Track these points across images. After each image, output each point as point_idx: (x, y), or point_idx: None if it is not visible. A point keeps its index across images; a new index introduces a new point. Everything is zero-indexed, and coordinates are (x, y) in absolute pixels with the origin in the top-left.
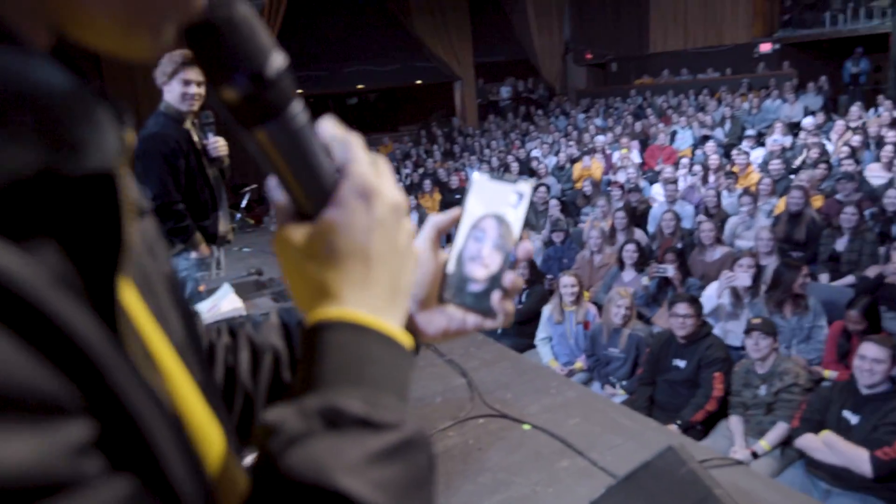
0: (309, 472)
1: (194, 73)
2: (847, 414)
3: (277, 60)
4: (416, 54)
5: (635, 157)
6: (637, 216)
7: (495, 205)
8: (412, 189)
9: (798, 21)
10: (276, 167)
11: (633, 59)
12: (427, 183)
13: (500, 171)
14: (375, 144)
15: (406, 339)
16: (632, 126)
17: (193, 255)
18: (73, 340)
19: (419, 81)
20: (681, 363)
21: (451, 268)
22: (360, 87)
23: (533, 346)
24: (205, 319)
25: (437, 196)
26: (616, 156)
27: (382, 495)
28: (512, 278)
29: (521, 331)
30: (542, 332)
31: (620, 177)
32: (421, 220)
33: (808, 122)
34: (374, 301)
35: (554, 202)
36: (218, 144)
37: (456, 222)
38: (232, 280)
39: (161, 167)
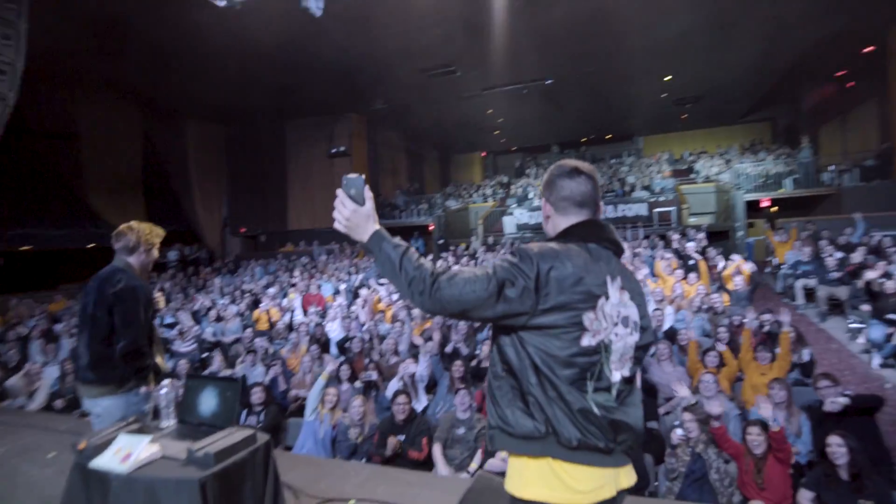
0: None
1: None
2: None
3: None
4: (89, 222)
5: (298, 302)
6: (324, 344)
7: None
8: None
9: (379, 214)
10: None
11: (278, 232)
12: None
13: None
14: (46, 301)
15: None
16: (289, 280)
17: (143, 390)
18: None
19: (92, 245)
20: (401, 437)
21: None
22: (24, 248)
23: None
24: (123, 474)
25: None
26: (284, 301)
27: (398, 247)
28: None
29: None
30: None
31: (286, 317)
32: None
33: None
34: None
35: (259, 341)
36: (159, 299)
37: None
38: (111, 431)
39: (138, 316)
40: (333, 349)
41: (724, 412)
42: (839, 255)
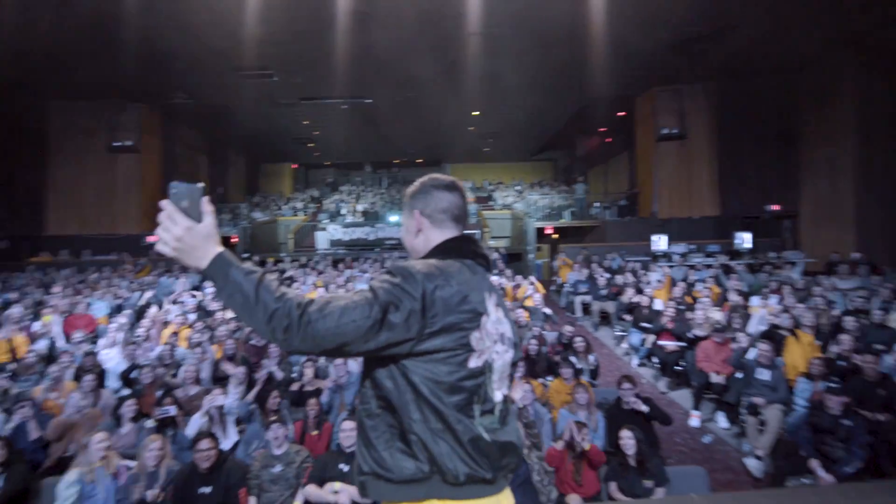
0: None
1: None
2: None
3: None
4: None
5: (57, 325)
6: (99, 376)
7: None
8: None
9: None
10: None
11: (29, 238)
12: None
13: None
14: None
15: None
16: (43, 299)
17: None
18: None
19: None
20: (206, 490)
21: None
22: None
23: None
24: None
25: None
26: (37, 325)
27: (250, 274)
28: None
29: None
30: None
31: (39, 345)
32: None
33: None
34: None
35: None
36: None
37: None
38: None
39: None
40: (113, 381)
41: (539, 417)
42: (607, 276)
